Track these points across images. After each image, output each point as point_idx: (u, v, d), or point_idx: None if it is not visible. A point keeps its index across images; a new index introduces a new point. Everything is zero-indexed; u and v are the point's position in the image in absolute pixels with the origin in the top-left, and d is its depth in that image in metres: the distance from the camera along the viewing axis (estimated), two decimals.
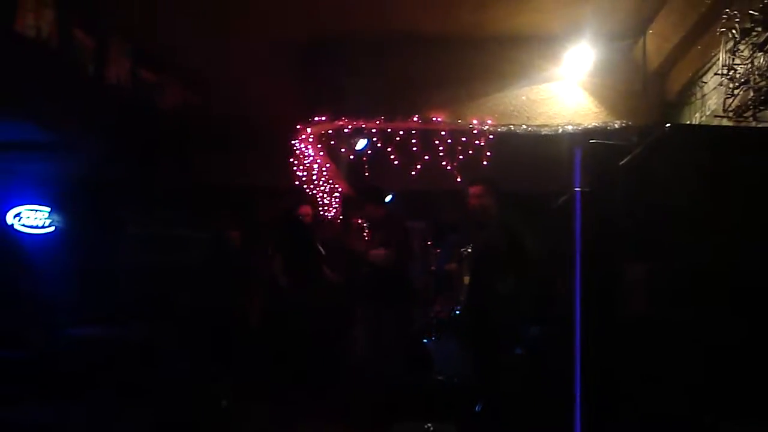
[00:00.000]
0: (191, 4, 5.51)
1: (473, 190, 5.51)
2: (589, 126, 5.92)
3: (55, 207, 9.82)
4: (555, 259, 4.45)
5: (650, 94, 5.86)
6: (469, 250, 5.97)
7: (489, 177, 5.65)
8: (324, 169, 7.61)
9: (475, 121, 6.02)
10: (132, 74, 6.05)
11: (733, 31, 3.93)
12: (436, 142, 6.27)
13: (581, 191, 4.21)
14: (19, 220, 9.69)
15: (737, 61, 3.91)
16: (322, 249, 7.20)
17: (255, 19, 5.77)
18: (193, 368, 6.40)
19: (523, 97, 6.09)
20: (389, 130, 6.24)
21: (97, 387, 6.23)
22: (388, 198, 8.30)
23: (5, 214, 9.61)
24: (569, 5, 5.42)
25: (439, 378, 6.68)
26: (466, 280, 5.56)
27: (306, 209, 7.28)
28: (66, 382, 6.40)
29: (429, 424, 4.34)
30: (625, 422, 3.24)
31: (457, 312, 7.43)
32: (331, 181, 8.09)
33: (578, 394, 2.98)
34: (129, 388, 6.09)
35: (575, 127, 5.94)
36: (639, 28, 5.70)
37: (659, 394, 2.90)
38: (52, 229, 9.81)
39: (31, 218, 9.76)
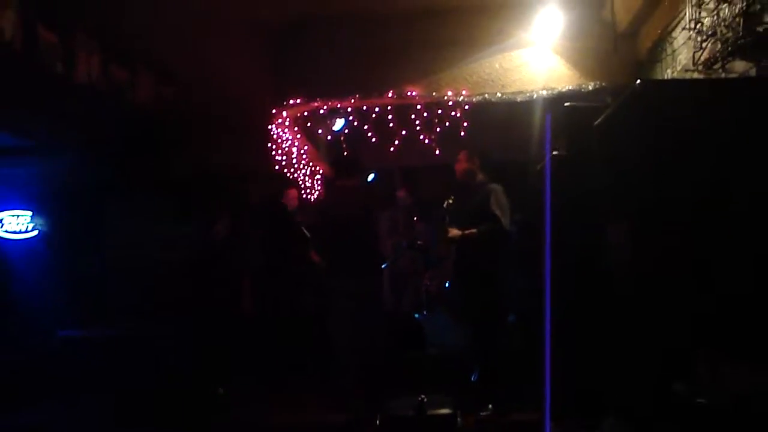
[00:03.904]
0: None
1: (458, 157, 5.60)
2: (564, 89, 5.93)
3: (37, 210, 9.75)
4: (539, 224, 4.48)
5: (622, 54, 5.88)
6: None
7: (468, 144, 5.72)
8: (303, 151, 7.59)
9: (450, 93, 6.02)
10: (102, 71, 5.98)
11: None
12: (413, 116, 6.27)
13: (558, 154, 4.24)
14: (1, 227, 9.61)
15: (703, 14, 3.93)
16: (307, 232, 7.19)
17: (223, 3, 5.72)
18: (187, 360, 6.41)
19: (497, 65, 6.10)
20: (365, 108, 6.23)
21: (92, 386, 6.24)
22: (371, 176, 8.30)
23: None
24: None
25: (432, 350, 6.73)
26: (454, 232, 5.55)
27: (293, 192, 7.26)
28: (61, 383, 6.40)
29: (423, 396, 4.37)
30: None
31: (447, 285, 7.48)
32: (311, 164, 8.08)
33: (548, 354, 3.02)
34: (124, 384, 6.11)
35: (550, 91, 5.95)
36: None
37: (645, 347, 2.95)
38: (35, 233, 9.74)
39: (14, 224, 9.67)
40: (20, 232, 9.67)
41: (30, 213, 9.69)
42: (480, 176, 5.58)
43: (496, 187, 5.48)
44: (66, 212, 9.34)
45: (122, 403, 5.83)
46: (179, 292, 7.09)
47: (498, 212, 5.33)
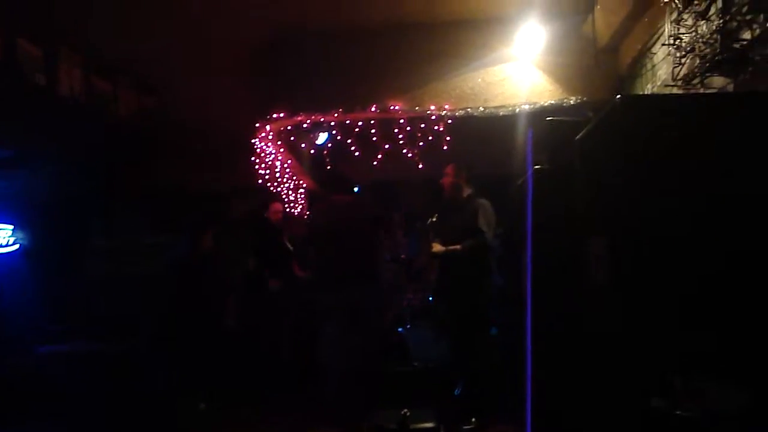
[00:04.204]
0: (141, 8, 5.44)
1: (445, 171, 5.66)
2: (546, 104, 5.97)
3: (19, 224, 9.66)
4: (520, 237, 4.50)
5: (603, 69, 5.93)
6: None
7: (451, 158, 5.77)
8: (286, 165, 7.59)
9: (432, 107, 6.04)
10: (84, 83, 5.95)
11: (676, 1, 4.00)
12: (396, 130, 6.28)
13: (540, 168, 4.27)
14: None
15: (682, 30, 3.98)
16: (290, 246, 7.19)
17: (207, 18, 5.72)
18: (169, 375, 6.36)
19: (479, 80, 6.13)
20: (348, 122, 6.24)
21: (74, 401, 6.17)
22: (355, 189, 8.32)
23: None
24: None
25: (415, 364, 6.72)
26: (437, 247, 5.58)
27: (278, 206, 7.27)
28: (42, 399, 6.33)
29: (406, 410, 4.36)
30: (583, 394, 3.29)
31: (431, 299, 7.49)
32: (294, 178, 8.07)
33: (529, 367, 3.02)
34: (104, 400, 6.05)
35: (532, 105, 5.99)
36: (587, 3, 5.76)
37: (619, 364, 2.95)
38: (16, 247, 9.65)
39: None
40: (1, 246, 9.58)
41: (11, 227, 9.60)
42: (467, 190, 5.63)
43: (484, 203, 5.51)
44: (48, 226, 9.27)
45: (104, 418, 5.77)
46: (162, 306, 7.05)
47: (485, 228, 5.37)
